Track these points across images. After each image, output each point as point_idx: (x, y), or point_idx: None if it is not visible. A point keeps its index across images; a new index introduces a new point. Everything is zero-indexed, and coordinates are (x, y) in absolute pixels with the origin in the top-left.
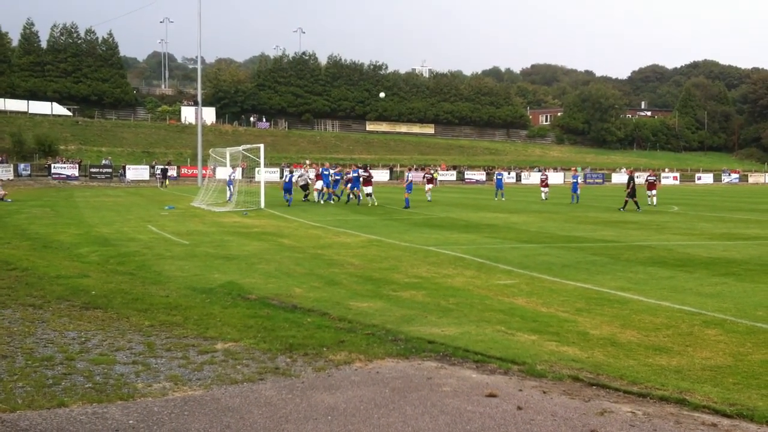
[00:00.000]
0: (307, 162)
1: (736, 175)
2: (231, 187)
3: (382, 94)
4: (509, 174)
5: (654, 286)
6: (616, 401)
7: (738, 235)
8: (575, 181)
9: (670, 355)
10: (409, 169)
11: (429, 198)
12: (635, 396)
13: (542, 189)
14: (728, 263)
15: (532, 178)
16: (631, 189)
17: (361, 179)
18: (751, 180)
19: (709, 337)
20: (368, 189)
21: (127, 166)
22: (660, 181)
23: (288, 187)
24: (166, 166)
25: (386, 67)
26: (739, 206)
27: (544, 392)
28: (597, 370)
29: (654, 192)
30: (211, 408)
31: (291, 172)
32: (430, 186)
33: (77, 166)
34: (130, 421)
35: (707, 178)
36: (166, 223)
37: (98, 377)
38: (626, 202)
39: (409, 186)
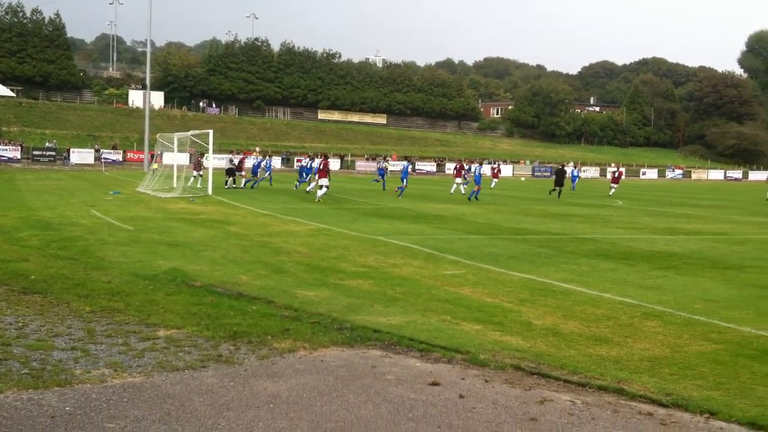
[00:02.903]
0: (257, 149)
1: (680, 171)
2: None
3: None
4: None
5: (597, 278)
6: (557, 390)
7: (679, 229)
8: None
9: (610, 345)
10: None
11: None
12: (575, 385)
13: (494, 179)
14: (669, 257)
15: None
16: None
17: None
18: (694, 176)
19: (648, 328)
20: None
21: (71, 150)
22: (618, 176)
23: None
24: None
25: (339, 56)
26: (682, 202)
27: (486, 381)
28: (539, 360)
29: (616, 186)
30: (151, 395)
31: (312, 159)
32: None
33: (19, 148)
34: (67, 408)
35: (652, 174)
36: (110, 208)
37: (35, 363)
38: (556, 190)
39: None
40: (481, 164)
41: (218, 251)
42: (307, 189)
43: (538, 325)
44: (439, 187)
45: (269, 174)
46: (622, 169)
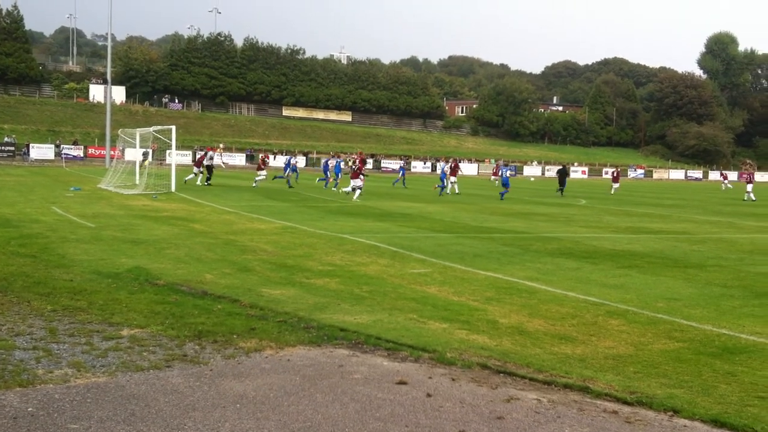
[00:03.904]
0: (221, 146)
1: (642, 171)
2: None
3: None
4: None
5: (561, 277)
6: (523, 389)
7: (642, 228)
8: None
9: (575, 344)
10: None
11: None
12: (541, 383)
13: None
14: (632, 256)
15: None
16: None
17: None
18: (655, 176)
19: (612, 327)
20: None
21: (30, 145)
22: (617, 175)
23: (325, 170)
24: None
25: (304, 52)
26: (644, 201)
27: (453, 380)
28: (505, 358)
29: (617, 185)
30: (116, 395)
31: (337, 157)
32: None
33: None
34: (30, 409)
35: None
36: (71, 205)
37: None
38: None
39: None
40: (507, 165)
41: (182, 249)
42: (343, 189)
43: (504, 324)
44: (399, 184)
45: (288, 173)
46: (620, 169)
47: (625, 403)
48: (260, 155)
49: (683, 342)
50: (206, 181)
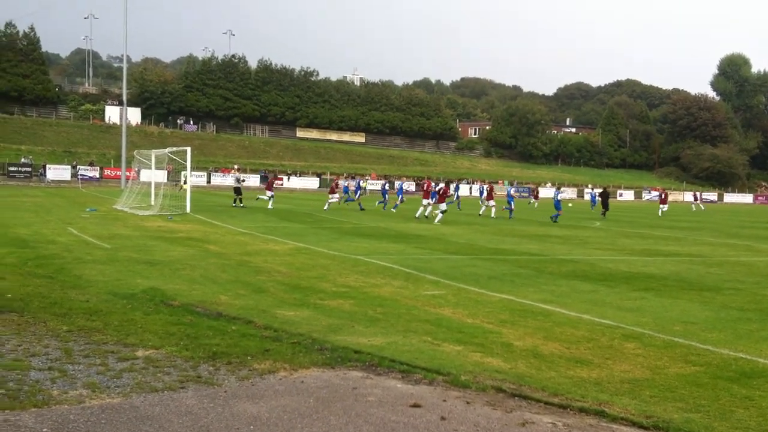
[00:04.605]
0: (236, 167)
1: (656, 193)
2: (355, 192)
3: None
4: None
5: (576, 299)
6: (538, 412)
7: (657, 251)
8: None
9: (591, 367)
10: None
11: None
12: (556, 407)
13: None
14: (647, 278)
15: (462, 189)
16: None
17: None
18: (670, 198)
19: (628, 350)
20: (425, 202)
21: (47, 166)
22: (667, 197)
23: (383, 192)
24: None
25: (317, 74)
26: (659, 223)
27: (468, 403)
28: (519, 381)
29: (665, 206)
30: (130, 416)
31: (354, 178)
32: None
33: None
34: (44, 429)
35: (628, 195)
36: (87, 226)
37: (11, 383)
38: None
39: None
40: (559, 189)
41: (197, 270)
42: (419, 214)
43: (519, 347)
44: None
45: (359, 195)
46: (667, 191)
47: (642, 427)
48: (334, 179)
49: (700, 366)
50: (239, 203)
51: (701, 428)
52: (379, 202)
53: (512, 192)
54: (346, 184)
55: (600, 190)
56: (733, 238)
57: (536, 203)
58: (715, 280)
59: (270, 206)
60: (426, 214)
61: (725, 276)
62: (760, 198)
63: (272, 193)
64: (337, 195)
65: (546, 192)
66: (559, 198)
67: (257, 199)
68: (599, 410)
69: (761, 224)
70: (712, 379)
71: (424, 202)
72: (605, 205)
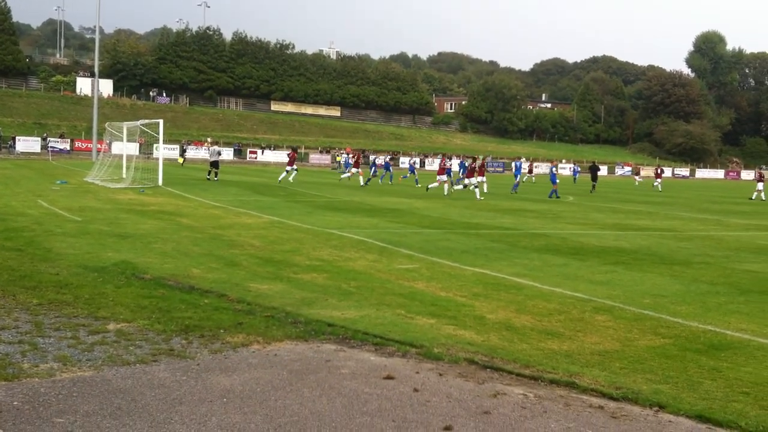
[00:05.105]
0: (209, 140)
1: (629, 168)
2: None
3: None
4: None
5: (548, 273)
6: (509, 384)
7: (628, 225)
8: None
9: (562, 339)
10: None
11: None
12: (527, 379)
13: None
14: (618, 252)
15: (436, 164)
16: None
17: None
18: (642, 173)
19: (598, 323)
20: (444, 177)
21: (17, 137)
22: (663, 172)
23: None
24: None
25: (293, 47)
26: (631, 198)
27: (440, 375)
28: (492, 354)
29: (659, 180)
30: (102, 389)
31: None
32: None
33: None
34: (15, 403)
35: (602, 170)
36: (57, 199)
37: None
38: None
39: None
40: (555, 165)
41: (169, 243)
42: (451, 189)
43: (492, 320)
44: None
45: (374, 171)
46: (662, 167)
47: (611, 398)
48: (344, 154)
49: (669, 338)
50: (214, 177)
51: (670, 399)
52: (404, 177)
53: (555, 171)
54: (375, 159)
55: (591, 164)
56: (704, 213)
57: (533, 178)
58: (686, 254)
59: (290, 179)
60: (445, 190)
61: (695, 250)
62: (731, 174)
63: (293, 167)
64: (356, 169)
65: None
66: (555, 172)
67: (282, 180)
68: (570, 381)
69: (731, 199)
70: (680, 351)
71: (439, 178)
72: (594, 178)
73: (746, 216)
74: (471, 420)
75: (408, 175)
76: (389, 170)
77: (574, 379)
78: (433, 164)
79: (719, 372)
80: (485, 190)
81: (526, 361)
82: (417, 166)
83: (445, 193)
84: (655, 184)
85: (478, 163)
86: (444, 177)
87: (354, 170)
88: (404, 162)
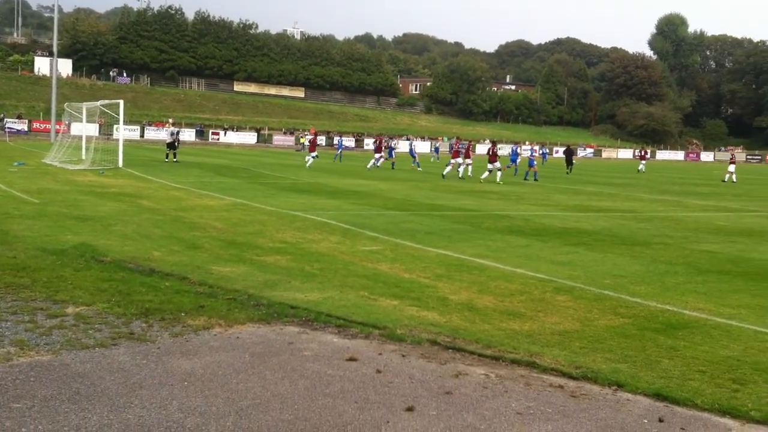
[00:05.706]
0: (170, 121)
1: (591, 150)
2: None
3: None
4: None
5: (510, 254)
6: (471, 364)
7: (590, 207)
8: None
9: (523, 320)
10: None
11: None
12: (489, 359)
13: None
14: (580, 233)
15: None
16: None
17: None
18: (604, 155)
19: (559, 303)
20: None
21: None
22: (647, 154)
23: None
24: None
25: (256, 27)
26: (593, 180)
27: (403, 356)
28: (454, 334)
29: (643, 162)
30: (60, 374)
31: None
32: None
33: None
34: None
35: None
36: (14, 180)
37: None
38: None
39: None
40: (532, 147)
41: (129, 226)
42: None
43: (454, 300)
44: (356, 162)
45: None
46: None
47: (571, 377)
48: (378, 138)
49: (628, 318)
50: (173, 158)
51: (628, 378)
52: (414, 162)
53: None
54: (393, 145)
55: (565, 148)
56: (664, 194)
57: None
58: (645, 235)
59: (376, 164)
60: (459, 172)
61: (655, 231)
62: (691, 155)
63: (381, 154)
64: (382, 155)
65: (482, 148)
66: (533, 156)
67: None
68: (530, 361)
69: (691, 181)
70: (639, 331)
71: (452, 161)
72: (569, 162)
73: (705, 197)
74: (433, 400)
75: (416, 160)
76: (392, 156)
77: (534, 359)
78: (398, 146)
79: (676, 351)
80: (470, 173)
81: (488, 342)
82: (396, 148)
83: (460, 176)
84: (640, 167)
85: (487, 148)
86: (459, 159)
87: (377, 156)
88: (368, 143)
